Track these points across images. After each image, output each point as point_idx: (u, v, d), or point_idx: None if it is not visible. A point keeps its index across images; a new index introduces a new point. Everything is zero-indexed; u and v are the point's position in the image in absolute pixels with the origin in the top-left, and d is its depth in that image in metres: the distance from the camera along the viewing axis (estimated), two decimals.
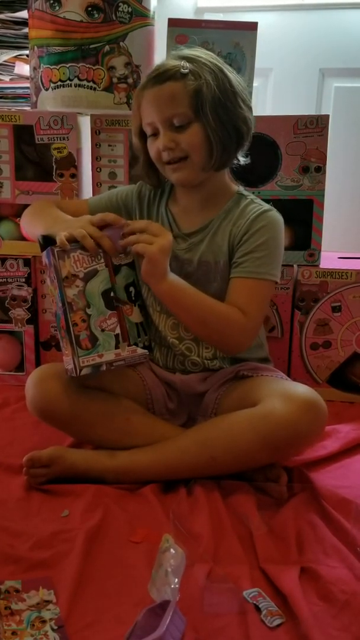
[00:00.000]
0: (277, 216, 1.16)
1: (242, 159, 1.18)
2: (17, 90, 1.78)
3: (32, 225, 1.24)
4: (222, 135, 1.09)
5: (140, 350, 1.14)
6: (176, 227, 1.20)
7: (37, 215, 1.23)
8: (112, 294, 1.12)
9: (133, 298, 1.16)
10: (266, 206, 1.17)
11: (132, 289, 1.16)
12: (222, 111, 1.08)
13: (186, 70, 1.07)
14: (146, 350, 1.15)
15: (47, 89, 1.45)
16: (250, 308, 1.11)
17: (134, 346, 1.13)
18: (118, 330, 1.11)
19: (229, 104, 1.09)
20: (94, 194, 1.48)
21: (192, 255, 1.17)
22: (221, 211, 1.18)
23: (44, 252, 1.09)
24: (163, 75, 1.08)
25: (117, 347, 1.11)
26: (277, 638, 0.77)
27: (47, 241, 1.10)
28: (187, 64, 1.08)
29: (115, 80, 1.43)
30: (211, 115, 1.08)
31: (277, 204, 1.25)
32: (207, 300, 1.11)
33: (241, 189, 1.22)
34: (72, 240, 1.07)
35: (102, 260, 1.10)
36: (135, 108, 1.14)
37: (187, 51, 1.13)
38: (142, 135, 1.16)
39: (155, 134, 1.11)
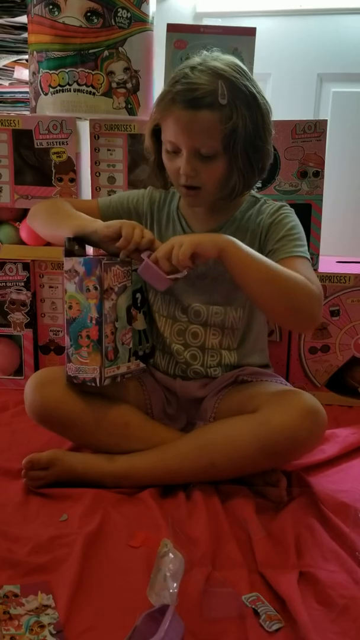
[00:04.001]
0: (291, 209, 1.19)
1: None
2: (16, 94, 1.78)
3: (49, 225, 1.22)
4: (247, 171, 1.10)
5: (141, 365, 1.18)
6: (189, 229, 1.20)
7: (58, 214, 1.20)
8: (132, 310, 1.15)
9: (139, 304, 1.17)
10: (279, 202, 1.20)
11: (138, 295, 1.17)
12: (252, 151, 1.08)
13: (225, 101, 1.03)
14: (145, 365, 1.19)
15: (46, 94, 1.46)
16: (310, 277, 1.06)
17: (137, 360, 1.17)
18: (132, 345, 1.15)
19: (259, 143, 1.09)
20: (92, 198, 1.48)
21: None
22: (237, 212, 1.19)
23: (80, 259, 1.09)
24: (200, 102, 1.03)
25: (129, 360, 1.15)
26: None
27: (72, 244, 1.11)
28: (225, 90, 1.03)
29: (114, 85, 1.44)
30: (241, 155, 1.07)
31: None
32: (275, 264, 1.06)
33: (253, 192, 1.22)
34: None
35: (130, 277, 1.13)
36: (157, 116, 1.11)
37: (222, 65, 1.06)
38: (155, 135, 1.14)
39: (176, 152, 1.09)
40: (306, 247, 1.15)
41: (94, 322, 1.09)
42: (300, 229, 1.16)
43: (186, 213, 1.22)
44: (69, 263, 1.10)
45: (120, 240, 1.07)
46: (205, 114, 1.04)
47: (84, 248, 1.14)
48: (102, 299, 1.08)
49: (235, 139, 1.06)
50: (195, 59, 1.08)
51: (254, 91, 1.08)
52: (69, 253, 1.11)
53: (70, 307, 1.12)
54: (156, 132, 1.14)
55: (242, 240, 1.14)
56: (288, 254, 1.12)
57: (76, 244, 1.12)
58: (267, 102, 1.10)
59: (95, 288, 1.08)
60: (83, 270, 1.09)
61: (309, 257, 1.14)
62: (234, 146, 1.06)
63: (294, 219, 1.17)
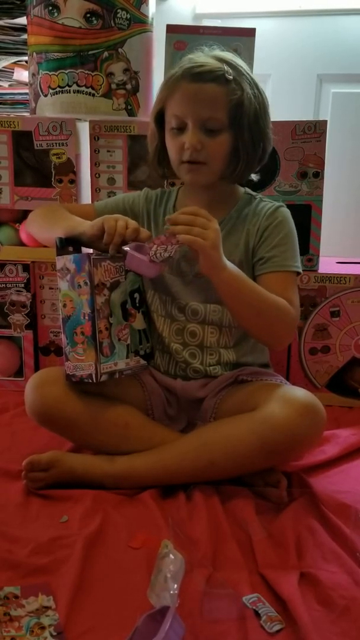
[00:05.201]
0: (288, 211, 1.20)
1: (254, 176, 1.20)
2: (16, 96, 1.79)
3: (45, 229, 1.23)
4: (250, 151, 1.11)
5: (142, 361, 1.18)
6: None
7: (52, 218, 1.22)
8: (127, 306, 1.14)
9: (137, 304, 1.17)
10: (276, 202, 1.20)
11: (136, 295, 1.17)
12: (255, 128, 1.10)
13: (231, 77, 1.06)
14: (146, 362, 1.19)
15: (46, 95, 1.46)
16: (293, 299, 1.12)
17: (137, 357, 1.16)
18: (129, 341, 1.15)
19: (262, 123, 1.11)
20: (92, 200, 1.49)
21: None
22: (233, 210, 1.19)
23: (70, 257, 1.10)
24: (207, 75, 1.06)
25: (127, 356, 1.14)
26: None
27: (63, 244, 1.12)
28: (230, 70, 1.07)
29: (113, 86, 1.44)
30: (246, 130, 1.09)
31: None
32: (262, 291, 1.09)
33: (247, 189, 1.23)
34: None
35: (124, 273, 1.13)
36: (163, 95, 1.12)
37: (224, 54, 1.11)
38: (159, 121, 1.15)
39: (181, 129, 1.10)
40: (298, 257, 1.16)
41: (86, 317, 1.09)
42: (293, 236, 1.17)
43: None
44: (61, 261, 1.11)
45: (105, 235, 1.07)
46: (211, 86, 1.07)
47: (80, 250, 1.15)
48: (93, 294, 1.08)
49: (241, 113, 1.07)
50: (198, 52, 1.13)
51: (255, 80, 1.11)
52: (61, 252, 1.12)
53: (64, 306, 1.12)
54: (160, 119, 1.15)
55: (238, 241, 1.16)
56: (277, 268, 1.14)
57: (70, 246, 1.12)
58: (264, 94, 1.13)
59: (86, 284, 1.08)
60: (74, 267, 1.09)
61: (299, 268, 1.16)
62: (239, 120, 1.08)
63: (288, 225, 1.17)
